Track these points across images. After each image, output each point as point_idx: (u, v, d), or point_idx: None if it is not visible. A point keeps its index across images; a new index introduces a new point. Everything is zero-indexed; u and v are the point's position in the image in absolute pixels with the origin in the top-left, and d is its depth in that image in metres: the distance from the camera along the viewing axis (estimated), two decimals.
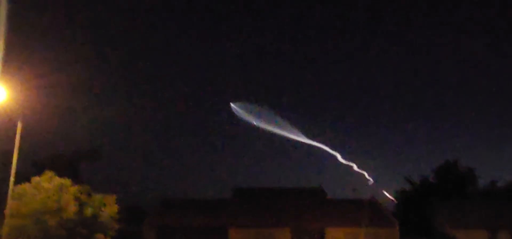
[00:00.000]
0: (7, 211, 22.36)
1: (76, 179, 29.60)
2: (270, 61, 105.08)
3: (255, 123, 58.75)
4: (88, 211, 24.71)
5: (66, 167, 40.81)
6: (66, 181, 24.41)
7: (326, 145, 58.49)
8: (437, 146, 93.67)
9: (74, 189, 24.53)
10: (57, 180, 24.02)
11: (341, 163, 57.23)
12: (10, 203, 22.43)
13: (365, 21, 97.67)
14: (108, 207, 26.05)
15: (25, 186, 23.60)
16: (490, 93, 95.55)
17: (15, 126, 22.51)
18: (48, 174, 24.27)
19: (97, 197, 26.27)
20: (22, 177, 26.29)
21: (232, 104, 59.37)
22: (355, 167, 57.15)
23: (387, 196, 54.44)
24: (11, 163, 21.71)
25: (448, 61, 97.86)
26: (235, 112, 58.97)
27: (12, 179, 21.70)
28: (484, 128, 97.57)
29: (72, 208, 23.36)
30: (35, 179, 23.92)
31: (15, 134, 22.30)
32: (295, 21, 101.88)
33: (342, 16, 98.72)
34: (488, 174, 70.56)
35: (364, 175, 56.66)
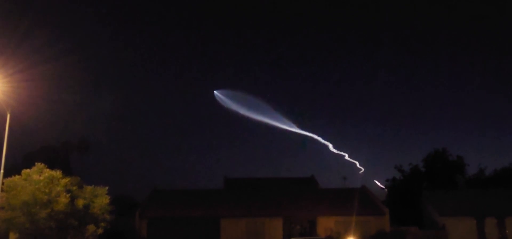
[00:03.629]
0: None
1: (67, 171, 29.50)
2: (262, 53, 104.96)
3: (241, 112, 58.56)
4: (80, 203, 24.68)
5: (56, 159, 40.65)
6: (57, 173, 24.32)
7: (318, 135, 58.87)
8: (426, 135, 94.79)
9: (65, 181, 24.46)
10: (48, 172, 23.92)
11: (333, 153, 57.71)
12: (0, 195, 22.33)
13: (357, 12, 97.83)
14: (99, 199, 26.05)
15: (15, 178, 23.48)
16: (477, 81, 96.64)
17: (4, 118, 22.34)
18: (39, 166, 24.15)
19: (88, 188, 26.24)
20: (12, 170, 26.17)
21: (215, 92, 59.13)
22: (346, 157, 57.67)
23: (377, 185, 55.07)
24: (0, 155, 21.57)
25: (435, 51, 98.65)
26: (219, 100, 58.73)
27: (1, 171, 21.59)
28: (472, 117, 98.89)
29: (63, 199, 23.30)
30: (26, 171, 23.79)
31: (4, 126, 22.15)
32: (286, 12, 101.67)
33: (333, 7, 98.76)
34: (476, 162, 71.46)
35: (355, 164, 57.23)
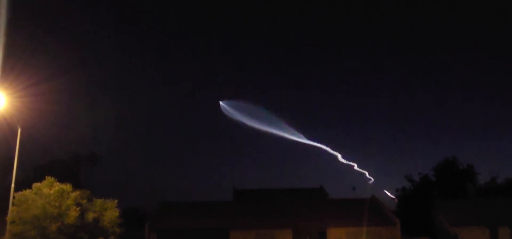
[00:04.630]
0: (8, 217, 22.39)
1: (76, 184, 29.60)
2: (269, 63, 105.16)
3: (248, 122, 58.41)
4: (89, 216, 24.71)
5: (66, 172, 40.83)
6: (67, 186, 24.40)
7: (327, 145, 58.63)
8: (436, 144, 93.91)
9: (75, 194, 24.52)
10: (58, 186, 24.01)
11: (342, 163, 57.39)
12: (11, 209, 22.45)
13: (365, 20, 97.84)
14: (109, 212, 26.06)
15: (26, 192, 23.59)
16: (488, 90, 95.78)
17: (15, 132, 22.55)
18: (49, 179, 24.26)
19: (98, 201, 26.28)
20: (23, 183, 26.32)
21: (221, 103, 59.10)
22: (355, 167, 57.33)
23: (388, 195, 54.58)
24: (11, 169, 21.72)
25: (445, 59, 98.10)
26: (224, 111, 58.67)
27: (12, 185, 21.72)
28: (483, 125, 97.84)
29: (73, 213, 23.34)
30: (36, 185, 23.91)
31: (15, 140, 22.33)
32: (294, 21, 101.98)
33: (341, 15, 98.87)
34: (487, 171, 70.54)
35: (364, 174, 56.83)
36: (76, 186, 26.28)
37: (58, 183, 24.28)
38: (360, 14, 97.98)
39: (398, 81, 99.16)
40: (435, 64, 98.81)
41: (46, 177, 24.64)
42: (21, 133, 22.61)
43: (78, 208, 23.96)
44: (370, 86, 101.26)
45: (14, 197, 22.55)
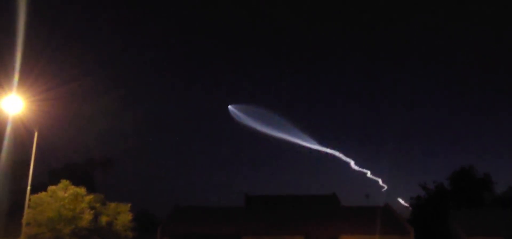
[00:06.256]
0: (24, 220, 22.78)
1: (91, 187, 30.00)
2: (282, 68, 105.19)
3: (258, 127, 58.09)
4: (103, 220, 24.99)
5: (81, 175, 41.39)
6: (81, 190, 24.75)
7: (340, 152, 58.24)
8: (452, 152, 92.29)
9: (89, 197, 24.85)
10: (72, 189, 24.37)
11: (355, 170, 56.91)
12: (26, 211, 22.84)
13: (378, 24, 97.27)
14: (122, 216, 26.33)
15: (41, 195, 23.99)
16: (505, 97, 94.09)
17: (32, 136, 22.95)
18: (64, 183, 24.63)
19: (112, 205, 26.58)
20: (38, 186, 26.78)
21: (230, 107, 58.79)
22: (369, 174, 56.79)
23: (401, 203, 53.86)
24: (27, 172, 22.11)
25: (461, 65, 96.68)
26: (234, 115, 58.38)
27: (28, 188, 22.11)
28: (500, 133, 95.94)
29: (87, 216, 23.65)
30: (51, 188, 24.29)
31: (32, 143, 22.73)
32: (307, 25, 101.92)
33: (357, 20, 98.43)
34: (504, 180, 69.15)
35: (378, 181, 56.25)
36: (90, 190, 26.65)
37: (72, 186, 24.65)
38: (377, 19, 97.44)
39: (413, 87, 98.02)
40: (453, 70, 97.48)
41: (61, 180, 25.04)
42: (37, 136, 23.01)
43: (92, 211, 24.27)
44: (385, 92, 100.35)
45: (29, 200, 22.93)
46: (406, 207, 52.70)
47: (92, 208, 24.66)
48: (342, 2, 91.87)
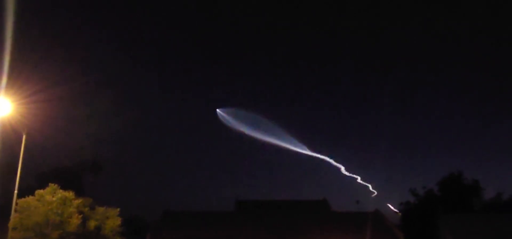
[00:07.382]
0: (10, 224, 22.42)
1: (79, 191, 29.64)
2: (272, 72, 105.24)
3: (247, 132, 57.83)
4: (91, 225, 24.71)
5: (69, 179, 40.89)
6: (70, 194, 24.44)
7: (330, 157, 58.37)
8: (441, 158, 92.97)
9: (77, 202, 24.56)
10: (61, 193, 24.06)
11: (345, 175, 57.07)
12: (13, 215, 22.48)
13: (368, 29, 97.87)
14: (111, 220, 26.06)
15: (29, 199, 23.64)
16: (494, 103, 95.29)
17: (20, 138, 22.65)
18: (52, 186, 24.31)
19: (100, 210, 26.30)
20: (26, 190, 26.41)
21: (218, 110, 58.44)
22: (359, 179, 56.99)
23: (391, 209, 54.09)
24: (15, 175, 21.80)
25: (451, 71, 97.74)
26: (222, 119, 58.07)
27: (16, 191, 21.78)
28: (489, 139, 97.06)
29: (75, 221, 23.36)
30: (39, 192, 23.95)
31: (20, 146, 22.44)
32: (297, 29, 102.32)
33: (345, 25, 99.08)
34: (493, 186, 69.82)
35: (368, 187, 56.47)
36: (79, 194, 26.33)
37: (61, 190, 24.33)
38: (365, 25, 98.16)
39: (403, 93, 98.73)
40: (442, 76, 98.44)
41: (49, 184, 24.71)
42: (26, 139, 22.71)
43: (80, 216, 23.97)
44: (376, 98, 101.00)
45: (16, 204, 22.58)
46: (395, 212, 52.96)
47: (80, 212, 24.36)
48: (333, 8, 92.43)
